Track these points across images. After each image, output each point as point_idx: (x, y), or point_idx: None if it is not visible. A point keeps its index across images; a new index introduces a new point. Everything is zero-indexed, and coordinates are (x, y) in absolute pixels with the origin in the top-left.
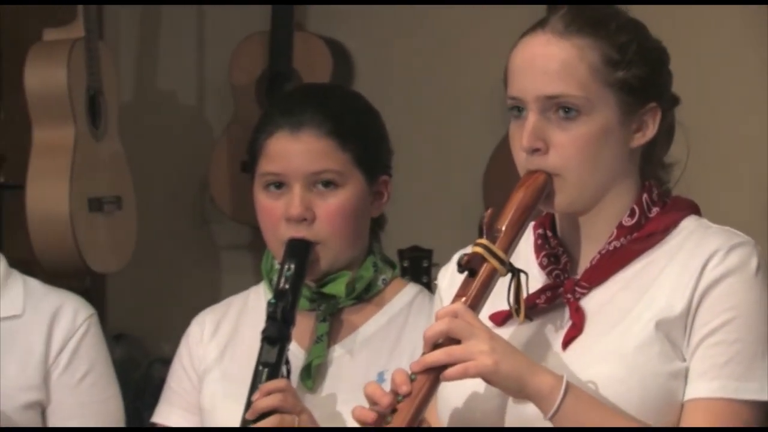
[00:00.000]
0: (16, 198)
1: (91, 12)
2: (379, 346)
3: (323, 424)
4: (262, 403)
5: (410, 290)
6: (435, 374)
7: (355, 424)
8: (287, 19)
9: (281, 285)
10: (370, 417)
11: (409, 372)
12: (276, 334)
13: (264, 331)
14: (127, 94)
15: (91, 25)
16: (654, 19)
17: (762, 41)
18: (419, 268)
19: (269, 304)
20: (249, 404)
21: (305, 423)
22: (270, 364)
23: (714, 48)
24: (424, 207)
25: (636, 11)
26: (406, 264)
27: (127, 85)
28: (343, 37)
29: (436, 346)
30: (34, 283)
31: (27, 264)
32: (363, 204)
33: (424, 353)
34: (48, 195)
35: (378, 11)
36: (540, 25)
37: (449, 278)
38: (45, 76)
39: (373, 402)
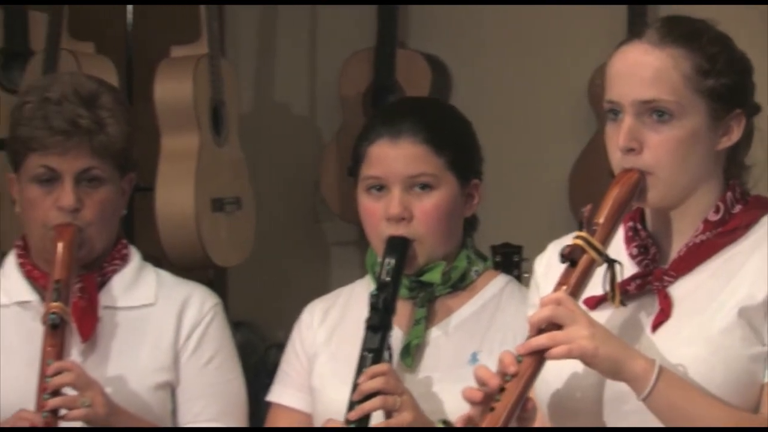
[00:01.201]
0: (146, 199)
1: (214, 31)
2: (472, 329)
3: (421, 401)
4: (367, 385)
5: (501, 280)
6: (539, 357)
7: (450, 401)
8: (391, 37)
9: (383, 278)
10: (478, 396)
11: (516, 354)
12: (378, 323)
13: (368, 320)
14: (246, 105)
15: (214, 43)
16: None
17: None
18: (510, 263)
19: (372, 295)
20: (355, 387)
21: (406, 403)
22: (374, 349)
23: None
24: (515, 207)
25: (696, 11)
26: (498, 259)
27: (246, 97)
28: (442, 53)
29: (540, 331)
30: (165, 275)
31: (156, 259)
32: (455, 205)
33: (529, 337)
34: (175, 196)
35: (473, 30)
36: (637, 35)
37: (544, 266)
38: (173, 89)
39: (482, 383)
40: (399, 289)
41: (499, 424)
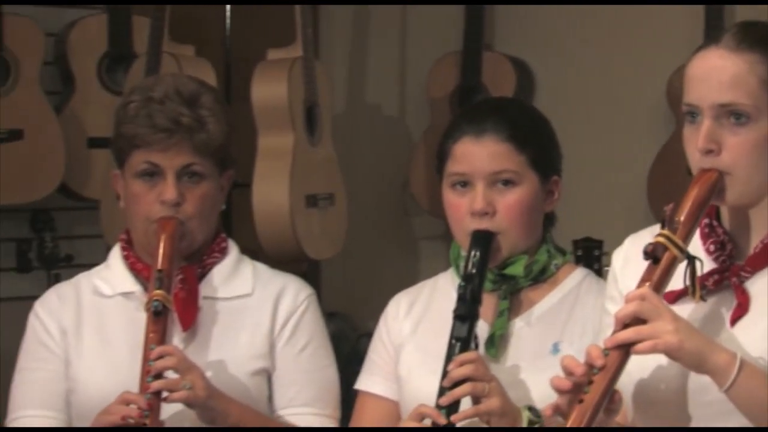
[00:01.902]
0: (244, 195)
1: (308, 34)
2: (553, 320)
3: (506, 388)
4: (457, 372)
5: (579, 273)
6: (625, 351)
7: (534, 390)
8: (477, 40)
9: (469, 270)
10: (566, 385)
11: (602, 348)
12: (466, 312)
13: (456, 310)
14: (339, 106)
15: (309, 46)
16: None
17: None
18: (591, 257)
19: (459, 286)
20: (445, 374)
21: (494, 390)
22: (462, 338)
23: None
24: (597, 203)
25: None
26: (579, 253)
27: (339, 98)
28: (526, 56)
29: (625, 326)
30: (262, 267)
31: (253, 252)
32: (536, 200)
33: (615, 332)
34: (271, 193)
35: (555, 33)
36: (714, 40)
37: (622, 259)
38: (269, 91)
39: (568, 372)
40: (485, 281)
41: (587, 416)
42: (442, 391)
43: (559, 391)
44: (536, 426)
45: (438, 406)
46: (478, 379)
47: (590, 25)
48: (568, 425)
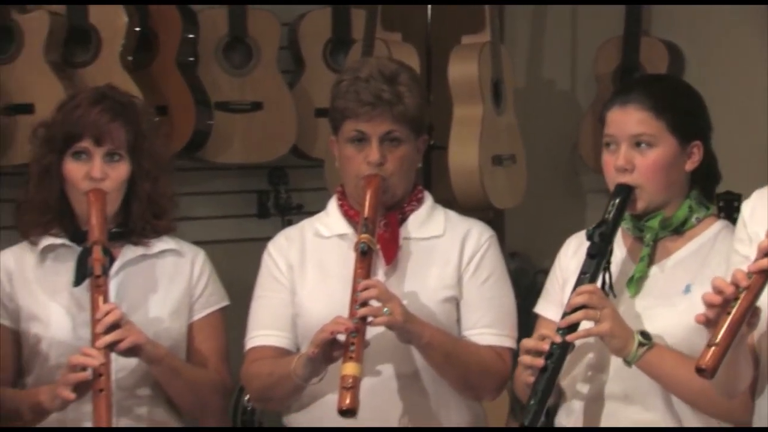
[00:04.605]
0: (441, 156)
1: (495, 23)
2: (688, 266)
3: (637, 321)
4: (575, 300)
5: (718, 225)
6: (765, 275)
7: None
8: (636, 27)
9: (605, 216)
10: (717, 299)
11: (747, 272)
12: (596, 251)
13: (588, 249)
14: (520, 81)
15: (495, 32)
16: None
17: None
18: (731, 208)
19: (589, 229)
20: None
21: (606, 316)
22: (589, 273)
23: None
24: (738, 162)
25: None
26: (721, 204)
27: (520, 75)
28: (678, 40)
29: (767, 254)
30: (452, 214)
31: (447, 202)
32: (674, 161)
33: (756, 259)
34: (464, 154)
35: (704, 20)
36: None
37: (750, 208)
38: (462, 70)
39: (718, 290)
40: (618, 226)
41: (733, 326)
42: (563, 316)
43: (710, 305)
44: (645, 346)
45: (558, 329)
46: (592, 306)
47: (737, 12)
48: (717, 333)
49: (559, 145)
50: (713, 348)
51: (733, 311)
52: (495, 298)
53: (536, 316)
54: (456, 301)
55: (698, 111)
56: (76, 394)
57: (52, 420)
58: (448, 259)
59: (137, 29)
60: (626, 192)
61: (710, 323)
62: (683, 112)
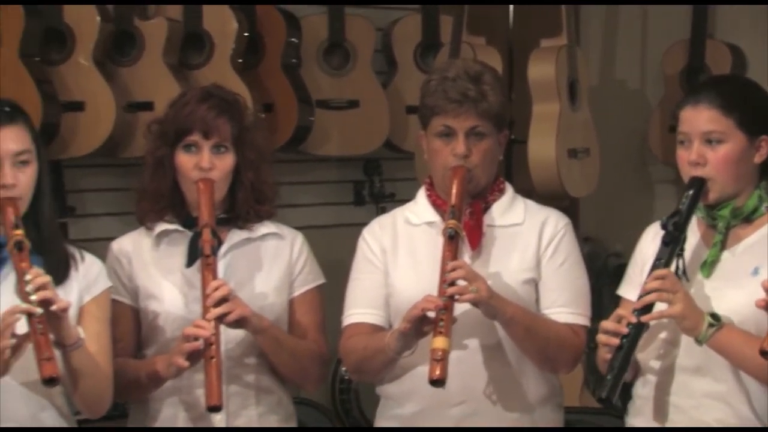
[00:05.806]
0: (522, 149)
1: (571, 27)
2: (756, 251)
3: (702, 302)
4: (649, 284)
5: None
6: None
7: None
8: (702, 30)
9: (678, 206)
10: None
11: None
12: (669, 239)
13: (663, 237)
14: (594, 81)
15: (572, 36)
16: None
17: None
18: None
19: (663, 219)
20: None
21: (678, 299)
22: (662, 259)
23: None
24: None
25: None
26: None
27: (594, 75)
28: (741, 43)
29: None
30: (531, 203)
31: (527, 192)
32: (743, 155)
33: None
34: (542, 147)
35: (765, 24)
36: None
37: None
38: (541, 70)
39: None
40: (691, 216)
41: None
42: (639, 297)
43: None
44: (714, 327)
45: (634, 310)
46: (665, 290)
47: None
48: None
49: (629, 139)
50: None
51: None
52: (570, 279)
53: (619, 298)
54: (535, 283)
55: (765, 107)
56: (189, 362)
57: (167, 387)
58: (528, 244)
59: (246, 34)
60: (699, 184)
61: None
62: (751, 109)
